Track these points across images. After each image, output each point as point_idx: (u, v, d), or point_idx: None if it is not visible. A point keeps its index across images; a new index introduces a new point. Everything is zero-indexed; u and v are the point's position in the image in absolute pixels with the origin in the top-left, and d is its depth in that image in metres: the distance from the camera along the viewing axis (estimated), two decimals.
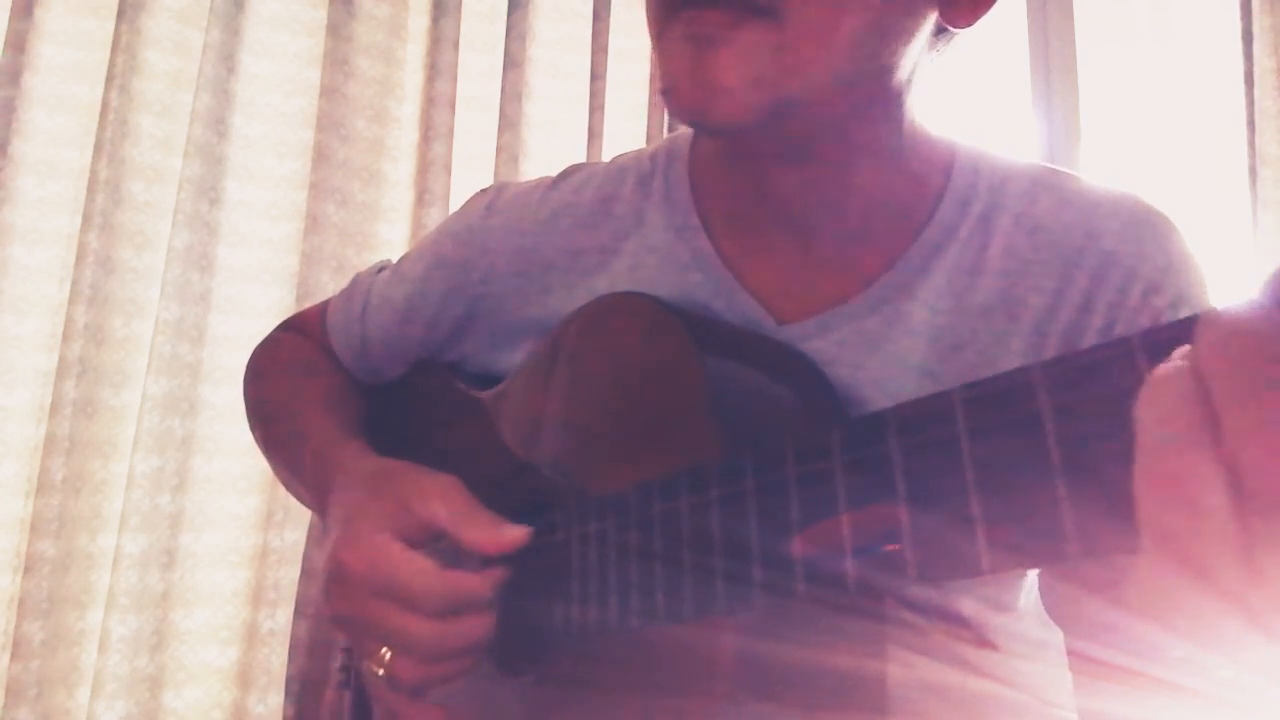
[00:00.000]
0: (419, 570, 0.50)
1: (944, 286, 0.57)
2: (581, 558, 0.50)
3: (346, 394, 0.74)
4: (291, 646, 0.80)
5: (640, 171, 0.66)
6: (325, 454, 0.64)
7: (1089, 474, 0.27)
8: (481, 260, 0.67)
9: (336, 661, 0.72)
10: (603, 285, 0.63)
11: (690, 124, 0.53)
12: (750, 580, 0.39)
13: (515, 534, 0.51)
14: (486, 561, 0.52)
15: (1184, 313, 0.54)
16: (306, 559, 0.84)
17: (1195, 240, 0.58)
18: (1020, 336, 0.56)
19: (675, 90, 0.50)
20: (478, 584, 0.51)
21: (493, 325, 0.68)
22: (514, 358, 0.66)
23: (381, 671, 0.51)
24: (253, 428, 0.78)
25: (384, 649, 0.51)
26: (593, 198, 0.66)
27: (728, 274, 0.60)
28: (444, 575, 0.50)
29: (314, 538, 0.82)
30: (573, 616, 0.50)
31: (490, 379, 0.69)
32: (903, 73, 0.54)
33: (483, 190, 0.71)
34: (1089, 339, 0.55)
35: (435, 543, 0.53)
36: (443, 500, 0.53)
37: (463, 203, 0.73)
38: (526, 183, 0.70)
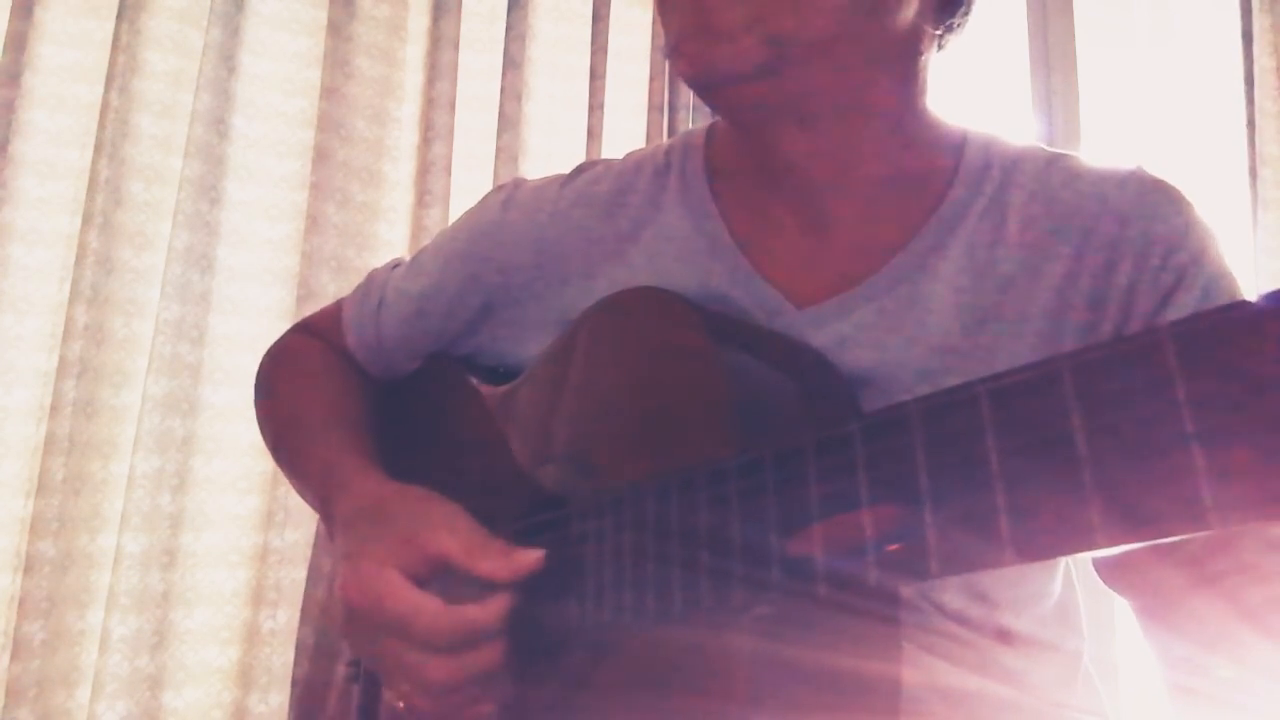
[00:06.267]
0: (425, 609, 0.50)
1: (963, 262, 0.57)
2: (597, 554, 0.49)
3: (355, 401, 0.74)
4: (297, 650, 0.80)
5: (656, 164, 0.67)
6: (330, 472, 0.63)
7: (1116, 462, 0.27)
8: (498, 252, 0.68)
9: (346, 655, 0.73)
10: (620, 274, 0.63)
11: (695, 81, 0.53)
12: (767, 574, 0.39)
13: (528, 558, 0.50)
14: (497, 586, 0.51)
15: (1206, 270, 0.55)
16: (313, 564, 0.84)
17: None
18: (1042, 305, 0.56)
19: (679, 45, 0.52)
20: (485, 617, 0.50)
21: (509, 316, 0.68)
22: (529, 349, 0.66)
23: (402, 705, 0.51)
24: (264, 435, 0.78)
25: (404, 686, 0.51)
26: (609, 189, 0.66)
27: (744, 261, 0.61)
28: (451, 612, 0.50)
29: (321, 545, 0.82)
30: (588, 615, 0.50)
31: (504, 372, 0.69)
32: (901, 25, 0.55)
33: (499, 187, 0.72)
34: (1113, 302, 0.56)
35: (443, 575, 0.52)
36: (451, 532, 0.52)
37: (477, 200, 0.73)
38: (542, 178, 0.71)
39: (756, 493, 0.40)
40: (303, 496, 0.73)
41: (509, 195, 0.70)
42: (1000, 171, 0.59)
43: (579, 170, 0.70)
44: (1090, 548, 0.28)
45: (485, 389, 0.69)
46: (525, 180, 0.72)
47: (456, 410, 0.70)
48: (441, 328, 0.71)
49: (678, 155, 0.66)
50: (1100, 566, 0.57)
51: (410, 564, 0.51)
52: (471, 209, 0.73)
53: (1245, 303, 0.26)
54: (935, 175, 0.59)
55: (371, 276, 0.77)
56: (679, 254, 0.62)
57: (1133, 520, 0.26)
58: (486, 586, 0.51)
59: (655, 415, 0.50)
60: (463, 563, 0.51)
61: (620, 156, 0.70)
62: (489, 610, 0.50)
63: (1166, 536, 0.26)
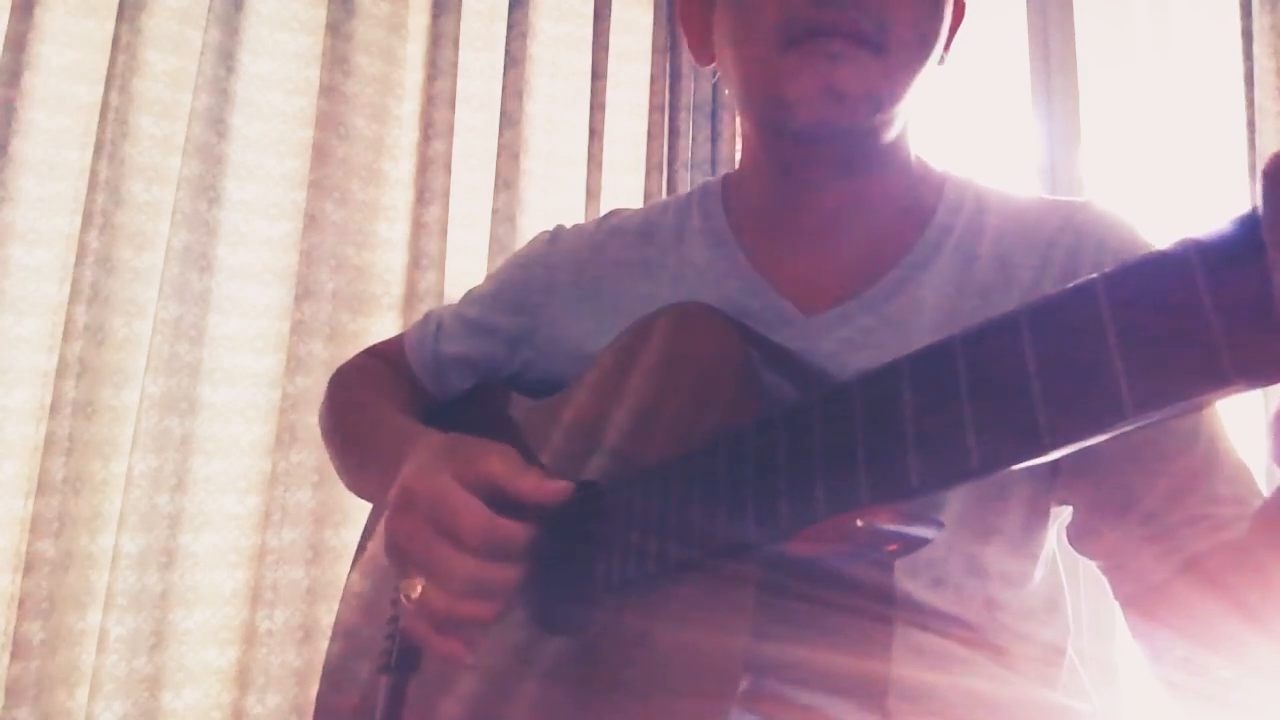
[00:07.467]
0: (472, 508, 0.56)
1: (947, 273, 0.68)
2: (626, 516, 0.56)
3: (415, 404, 0.85)
4: (324, 678, 0.85)
5: (678, 205, 0.81)
6: (401, 436, 0.72)
7: (1063, 381, 0.34)
8: (544, 275, 0.81)
9: (380, 645, 0.75)
10: (646, 290, 0.74)
11: (818, 129, 0.64)
12: (777, 511, 0.45)
13: (558, 486, 0.57)
14: (533, 515, 0.58)
15: None
16: (347, 589, 0.88)
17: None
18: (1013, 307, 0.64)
19: (806, 99, 0.63)
20: (517, 532, 0.56)
21: (552, 331, 0.79)
22: (570, 361, 0.75)
23: (415, 594, 0.57)
24: (327, 431, 0.88)
25: (419, 580, 0.57)
26: (638, 224, 0.80)
27: (760, 277, 0.71)
28: (490, 517, 0.56)
29: (369, 572, 0.86)
30: (614, 570, 0.56)
31: (546, 386, 0.77)
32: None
33: (544, 231, 0.86)
34: None
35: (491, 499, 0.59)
36: (500, 458, 0.59)
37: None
38: (580, 223, 0.86)
39: (770, 447, 0.47)
40: (355, 479, 0.81)
41: (554, 234, 0.84)
42: (975, 201, 0.71)
43: (612, 213, 0.85)
44: (1041, 453, 0.35)
45: (530, 401, 0.77)
46: (565, 225, 0.86)
47: (501, 418, 0.79)
48: (491, 344, 0.83)
49: (698, 197, 0.80)
50: (1070, 534, 0.65)
51: (465, 479, 0.59)
52: (519, 250, 0.88)
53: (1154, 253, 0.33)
54: (923, 203, 0.71)
55: (429, 313, 0.91)
56: (701, 274, 0.74)
57: (1072, 422, 0.34)
58: (521, 516, 0.58)
59: (698, 417, 0.56)
60: (504, 482, 0.58)
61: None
62: (520, 528, 0.57)
63: (1097, 434, 0.33)
